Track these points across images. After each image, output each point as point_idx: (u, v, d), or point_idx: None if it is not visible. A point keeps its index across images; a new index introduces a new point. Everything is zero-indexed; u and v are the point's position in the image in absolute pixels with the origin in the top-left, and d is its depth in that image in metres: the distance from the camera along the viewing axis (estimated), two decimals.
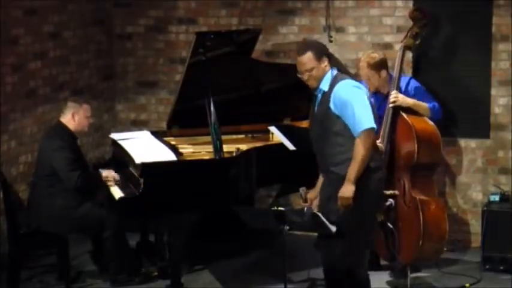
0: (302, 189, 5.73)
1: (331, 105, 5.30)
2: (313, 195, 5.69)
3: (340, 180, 5.32)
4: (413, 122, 6.40)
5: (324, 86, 5.38)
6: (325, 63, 5.36)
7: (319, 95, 5.43)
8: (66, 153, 6.52)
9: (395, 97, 6.49)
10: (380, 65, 6.59)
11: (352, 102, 5.24)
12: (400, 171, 6.42)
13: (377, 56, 6.64)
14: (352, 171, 5.26)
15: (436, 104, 6.66)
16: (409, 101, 6.55)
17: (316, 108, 5.49)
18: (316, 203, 5.67)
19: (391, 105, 6.50)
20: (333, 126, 5.32)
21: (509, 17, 7.17)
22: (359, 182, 5.30)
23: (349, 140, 5.29)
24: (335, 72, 5.40)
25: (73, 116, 6.66)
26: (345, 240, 5.31)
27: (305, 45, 5.47)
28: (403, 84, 6.68)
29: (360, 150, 5.23)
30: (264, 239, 7.31)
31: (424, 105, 6.59)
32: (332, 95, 5.30)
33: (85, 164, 6.89)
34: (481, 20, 7.23)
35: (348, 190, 5.30)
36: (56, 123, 6.75)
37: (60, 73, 7.67)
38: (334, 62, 5.47)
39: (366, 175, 5.32)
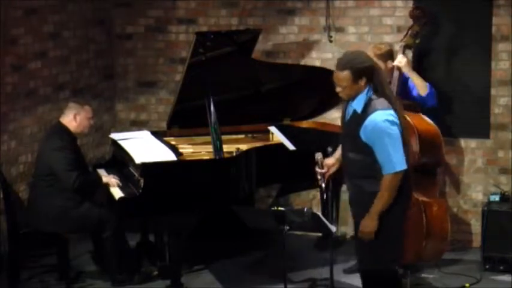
0: (318, 155, 5.55)
1: (362, 134, 5.06)
2: (331, 162, 5.50)
3: (363, 194, 5.14)
4: (416, 123, 6.39)
5: (357, 105, 5.10)
6: (362, 83, 5.05)
7: (351, 110, 5.18)
8: (65, 154, 6.52)
9: (401, 60, 6.61)
10: (386, 56, 6.65)
11: (386, 141, 4.99)
12: None
13: (383, 46, 6.72)
14: (377, 206, 5.06)
15: (433, 90, 6.69)
16: (411, 71, 6.65)
17: (346, 118, 5.25)
18: (333, 169, 5.51)
19: (395, 63, 6.60)
20: (361, 148, 5.09)
21: (509, 17, 7.17)
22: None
23: (374, 164, 5.10)
24: (370, 92, 5.07)
25: (75, 117, 6.66)
26: (383, 246, 5.18)
27: (347, 61, 5.10)
28: (410, 82, 6.72)
29: (387, 190, 5.04)
30: (264, 239, 7.31)
31: (423, 82, 6.65)
32: (364, 124, 5.04)
33: (84, 164, 6.89)
34: (481, 20, 7.23)
35: (369, 225, 5.11)
36: (55, 124, 6.75)
37: (60, 73, 7.67)
38: (378, 80, 5.08)
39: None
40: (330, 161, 5.56)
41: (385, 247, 5.17)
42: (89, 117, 6.75)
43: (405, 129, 5.13)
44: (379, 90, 5.08)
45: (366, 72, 5.07)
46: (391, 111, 5.04)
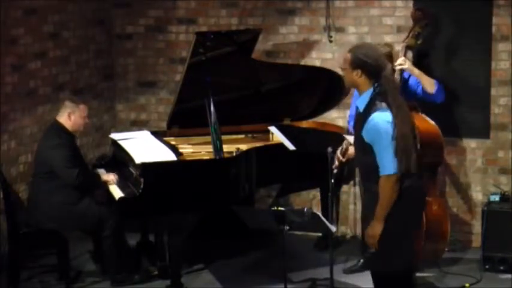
0: (346, 142, 5.52)
1: (364, 134, 5.05)
2: (353, 153, 5.43)
3: (372, 196, 5.09)
4: (416, 123, 6.38)
5: (360, 104, 5.10)
6: (357, 76, 5.04)
7: (356, 109, 5.19)
8: (63, 151, 6.53)
9: (403, 60, 6.59)
10: (386, 58, 6.63)
11: (383, 143, 4.98)
12: None
13: (382, 48, 6.70)
14: (379, 209, 5.04)
15: (441, 85, 6.68)
16: (415, 70, 6.61)
17: (355, 117, 5.27)
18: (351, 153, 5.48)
19: (398, 67, 6.56)
20: (366, 148, 5.07)
21: (509, 17, 7.17)
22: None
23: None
24: (373, 94, 5.05)
25: (69, 116, 6.67)
26: (392, 250, 5.12)
27: (357, 46, 5.18)
28: (411, 82, 6.72)
29: (383, 192, 5.01)
30: (264, 239, 7.32)
31: (430, 79, 6.63)
32: (366, 125, 5.03)
33: (83, 162, 6.89)
34: (481, 20, 7.23)
35: (374, 228, 5.07)
36: (52, 122, 6.75)
37: (60, 73, 7.67)
38: (384, 82, 5.03)
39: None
40: (352, 151, 5.51)
41: (395, 250, 5.14)
42: (83, 116, 6.75)
43: (410, 134, 5.09)
44: (384, 98, 5.03)
45: (365, 66, 5.03)
46: (388, 113, 5.01)
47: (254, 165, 6.56)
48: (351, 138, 5.60)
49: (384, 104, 5.03)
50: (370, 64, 5.05)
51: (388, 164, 4.98)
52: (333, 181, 5.67)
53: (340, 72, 7.17)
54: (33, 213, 6.59)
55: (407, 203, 5.11)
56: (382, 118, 4.99)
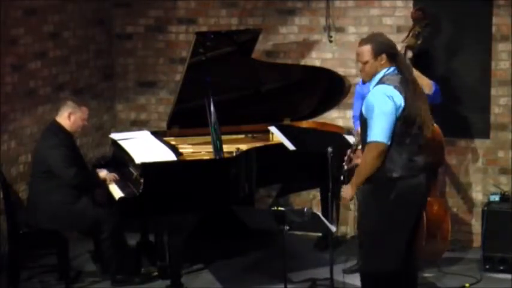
0: (357, 141, 5.54)
1: (363, 108, 5.17)
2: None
3: (367, 183, 5.21)
4: None
5: (372, 84, 5.23)
6: (383, 61, 5.16)
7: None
8: (61, 151, 6.52)
9: None
10: None
11: (375, 110, 5.07)
12: None
13: None
14: (356, 176, 5.23)
15: (438, 87, 6.67)
16: (415, 71, 6.60)
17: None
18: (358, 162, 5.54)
19: None
20: (367, 129, 5.16)
21: (509, 17, 7.17)
22: (377, 191, 5.17)
23: None
24: (387, 72, 5.17)
25: (69, 116, 6.66)
26: (375, 248, 5.22)
27: (369, 37, 5.29)
28: None
29: (364, 159, 5.14)
30: (264, 239, 7.32)
31: (427, 80, 6.61)
32: (366, 97, 5.19)
33: (83, 162, 6.89)
34: (481, 20, 7.23)
35: (346, 191, 5.31)
36: (51, 122, 6.75)
37: (60, 73, 7.67)
38: (399, 62, 5.21)
39: (385, 185, 5.15)
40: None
41: (386, 249, 5.16)
42: (84, 118, 6.75)
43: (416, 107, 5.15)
44: (404, 72, 5.18)
45: (387, 49, 5.18)
46: (391, 87, 5.08)
47: (254, 165, 6.55)
48: (350, 138, 5.60)
49: (393, 78, 5.11)
50: (390, 46, 5.21)
51: (378, 132, 5.05)
52: (342, 178, 5.62)
53: (340, 72, 7.23)
54: (32, 212, 6.59)
55: (407, 202, 5.12)
56: (379, 90, 5.09)
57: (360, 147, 5.45)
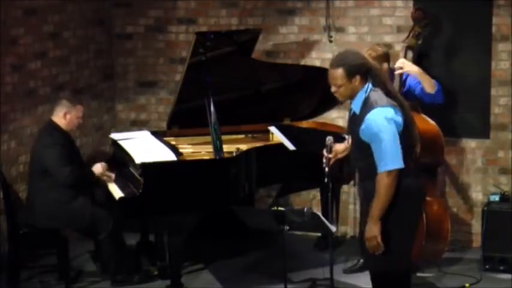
0: (329, 139, 5.51)
1: (361, 134, 5.01)
2: (341, 148, 5.47)
3: (369, 196, 5.06)
4: (417, 123, 6.37)
5: (355, 106, 5.07)
6: (357, 82, 5.01)
7: (352, 112, 5.15)
8: (56, 150, 6.52)
9: (402, 63, 6.56)
10: (382, 58, 6.63)
11: (380, 138, 4.92)
12: None
13: (380, 49, 6.71)
14: (375, 209, 4.96)
15: (440, 86, 6.67)
16: (415, 68, 6.59)
17: (349, 121, 5.24)
18: (340, 156, 5.49)
19: (397, 72, 6.55)
20: (365, 149, 5.03)
21: (509, 17, 7.17)
22: None
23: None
24: (368, 92, 5.01)
25: (64, 115, 6.67)
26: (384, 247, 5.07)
27: (340, 59, 5.07)
28: (410, 83, 6.72)
29: (381, 189, 4.94)
30: (264, 239, 7.31)
31: (431, 79, 6.60)
32: (363, 124, 4.98)
33: (80, 159, 6.89)
34: (481, 20, 7.23)
35: (372, 230, 4.95)
36: (47, 122, 6.76)
37: (60, 73, 7.67)
38: (374, 76, 5.02)
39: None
40: (340, 147, 5.54)
41: (394, 249, 5.10)
42: (79, 116, 6.76)
43: (411, 124, 5.09)
44: (381, 88, 5.03)
45: (360, 69, 5.02)
46: (390, 108, 4.99)
47: (254, 165, 6.55)
48: (329, 137, 5.57)
49: (379, 96, 4.99)
50: (362, 65, 5.04)
51: (390, 159, 4.92)
52: (326, 180, 5.60)
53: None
54: (30, 212, 6.59)
55: (407, 202, 5.10)
56: (379, 115, 4.95)
57: (337, 145, 5.46)
